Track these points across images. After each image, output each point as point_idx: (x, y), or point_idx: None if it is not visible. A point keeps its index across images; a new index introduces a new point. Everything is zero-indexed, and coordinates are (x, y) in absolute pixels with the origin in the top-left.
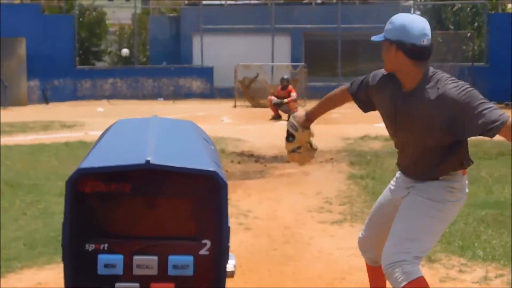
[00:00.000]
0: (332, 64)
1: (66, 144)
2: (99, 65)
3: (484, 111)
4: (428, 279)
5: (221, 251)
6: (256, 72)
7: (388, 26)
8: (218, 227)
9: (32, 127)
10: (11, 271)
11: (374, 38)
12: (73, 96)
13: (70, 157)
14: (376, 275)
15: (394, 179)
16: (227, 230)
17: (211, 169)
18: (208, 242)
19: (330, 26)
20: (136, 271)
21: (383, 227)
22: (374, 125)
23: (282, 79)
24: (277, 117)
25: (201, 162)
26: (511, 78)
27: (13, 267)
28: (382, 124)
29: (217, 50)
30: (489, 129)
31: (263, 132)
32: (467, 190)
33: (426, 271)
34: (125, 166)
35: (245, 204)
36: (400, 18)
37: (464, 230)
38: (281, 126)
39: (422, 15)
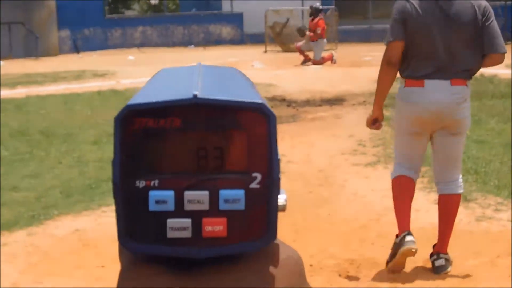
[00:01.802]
0: (363, 7)
1: (98, 93)
2: (129, 13)
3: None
4: (464, 219)
5: (271, 184)
6: (286, 17)
7: None
8: (268, 160)
9: (64, 77)
10: (49, 218)
11: None
12: (104, 45)
13: (103, 105)
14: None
15: None
16: (277, 162)
17: (258, 101)
18: (258, 175)
19: None
20: (188, 207)
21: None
22: None
23: (311, 7)
24: (307, 61)
25: (248, 95)
26: None
27: (50, 214)
28: None
29: None
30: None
31: (295, 76)
32: (417, 102)
33: (461, 211)
34: (172, 101)
35: (278, 149)
36: None
37: (500, 169)
38: (312, 70)
39: None
